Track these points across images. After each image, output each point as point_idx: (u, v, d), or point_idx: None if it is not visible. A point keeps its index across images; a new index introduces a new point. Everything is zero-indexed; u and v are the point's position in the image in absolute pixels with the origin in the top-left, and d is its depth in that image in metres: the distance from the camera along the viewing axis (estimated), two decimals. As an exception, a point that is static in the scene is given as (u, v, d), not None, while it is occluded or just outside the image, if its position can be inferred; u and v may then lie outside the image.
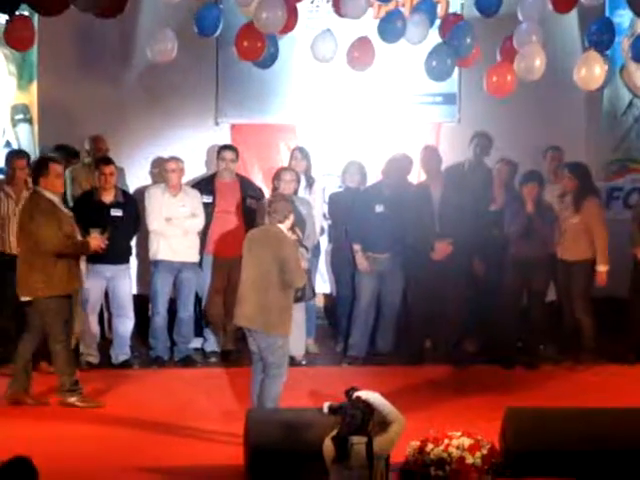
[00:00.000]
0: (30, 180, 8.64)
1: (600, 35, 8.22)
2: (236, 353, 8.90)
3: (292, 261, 6.97)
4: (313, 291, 8.64)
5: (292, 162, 9.22)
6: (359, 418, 5.27)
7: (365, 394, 5.41)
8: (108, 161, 8.76)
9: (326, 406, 5.53)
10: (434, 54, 8.19)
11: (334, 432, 5.30)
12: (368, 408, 5.33)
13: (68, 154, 8.98)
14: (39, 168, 7.85)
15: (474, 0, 8.15)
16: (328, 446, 5.28)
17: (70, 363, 7.85)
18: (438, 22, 8.53)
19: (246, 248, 7.18)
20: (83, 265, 8.16)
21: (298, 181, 8.87)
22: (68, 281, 7.73)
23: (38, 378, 8.05)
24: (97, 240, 7.85)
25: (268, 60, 8.34)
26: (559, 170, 9.27)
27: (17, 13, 7.55)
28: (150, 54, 8.12)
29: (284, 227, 7.11)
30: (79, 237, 7.84)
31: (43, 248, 7.61)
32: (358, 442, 5.21)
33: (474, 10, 8.44)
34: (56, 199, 7.78)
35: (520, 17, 8.11)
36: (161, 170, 9.10)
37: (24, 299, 7.84)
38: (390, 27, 8.15)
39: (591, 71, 8.09)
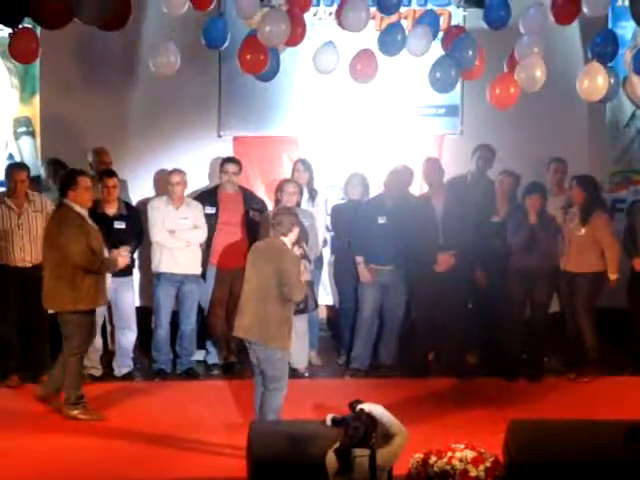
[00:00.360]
0: (31, 193, 8.66)
1: (604, 47, 8.22)
2: (239, 365, 8.88)
3: (292, 274, 6.95)
4: (316, 303, 8.63)
5: (294, 174, 9.22)
6: (362, 431, 5.26)
7: (368, 407, 5.40)
8: (111, 174, 8.77)
9: (329, 418, 5.53)
10: (438, 66, 8.19)
11: (337, 444, 5.29)
12: (371, 421, 5.32)
13: (61, 168, 8.95)
14: (68, 181, 7.82)
15: (483, 13, 8.15)
16: (331, 458, 5.27)
17: (78, 377, 7.84)
18: (441, 34, 8.54)
19: (250, 260, 7.17)
20: (109, 279, 8.17)
21: (301, 193, 8.87)
22: (95, 295, 7.75)
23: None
24: (124, 258, 7.86)
25: (269, 73, 8.35)
26: (563, 182, 9.28)
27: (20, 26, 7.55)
28: (153, 67, 8.13)
29: (288, 240, 7.09)
30: (106, 252, 7.84)
31: (72, 262, 7.61)
32: (361, 455, 5.20)
33: (478, 22, 8.48)
34: (84, 212, 7.78)
35: (522, 29, 8.13)
36: (167, 183, 9.04)
37: (51, 312, 7.90)
38: (390, 40, 8.15)
39: (594, 82, 8.09)
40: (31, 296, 8.53)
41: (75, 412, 7.75)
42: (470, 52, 8.14)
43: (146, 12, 9.31)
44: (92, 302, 7.75)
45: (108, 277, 8.12)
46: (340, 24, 8.09)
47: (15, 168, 8.78)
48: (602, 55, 8.21)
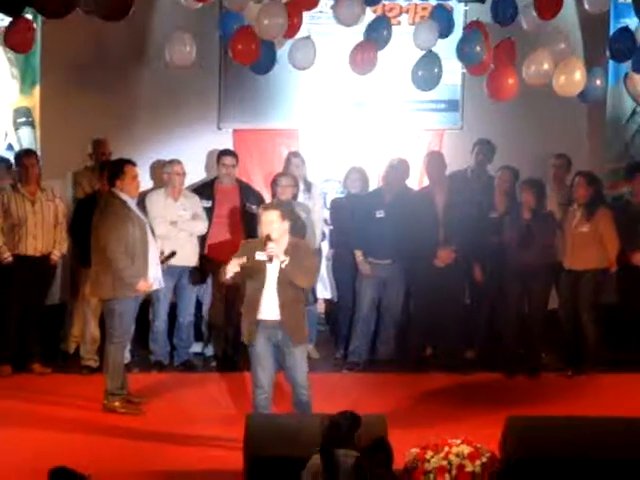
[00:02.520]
0: (44, 182, 8.64)
1: (622, 44, 8.25)
2: (236, 357, 8.86)
3: None
4: (314, 297, 8.61)
5: (287, 167, 9.17)
6: (344, 428, 5.19)
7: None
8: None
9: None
10: (420, 64, 8.22)
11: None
12: (355, 418, 5.26)
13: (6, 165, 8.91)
14: (115, 170, 7.80)
15: (490, 8, 8.13)
16: (314, 458, 5.18)
17: (118, 367, 7.79)
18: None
19: None
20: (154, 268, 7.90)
21: (296, 186, 8.84)
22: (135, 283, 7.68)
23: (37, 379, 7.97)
24: (146, 287, 7.76)
25: (263, 66, 8.34)
26: (565, 178, 9.26)
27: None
28: (168, 57, 8.12)
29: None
30: (152, 240, 7.79)
31: (104, 247, 7.59)
32: (346, 455, 5.11)
33: (478, 17, 8.50)
34: (131, 201, 7.75)
35: (524, 24, 8.13)
36: (164, 174, 8.99)
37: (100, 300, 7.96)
38: (375, 35, 8.13)
39: (571, 77, 8.09)
40: (35, 286, 8.53)
41: (115, 404, 7.70)
42: (478, 48, 8.14)
43: (152, 3, 9.31)
44: (132, 289, 7.68)
45: (152, 264, 7.86)
46: (335, 18, 8.11)
47: (25, 154, 8.74)
48: (620, 52, 8.23)
